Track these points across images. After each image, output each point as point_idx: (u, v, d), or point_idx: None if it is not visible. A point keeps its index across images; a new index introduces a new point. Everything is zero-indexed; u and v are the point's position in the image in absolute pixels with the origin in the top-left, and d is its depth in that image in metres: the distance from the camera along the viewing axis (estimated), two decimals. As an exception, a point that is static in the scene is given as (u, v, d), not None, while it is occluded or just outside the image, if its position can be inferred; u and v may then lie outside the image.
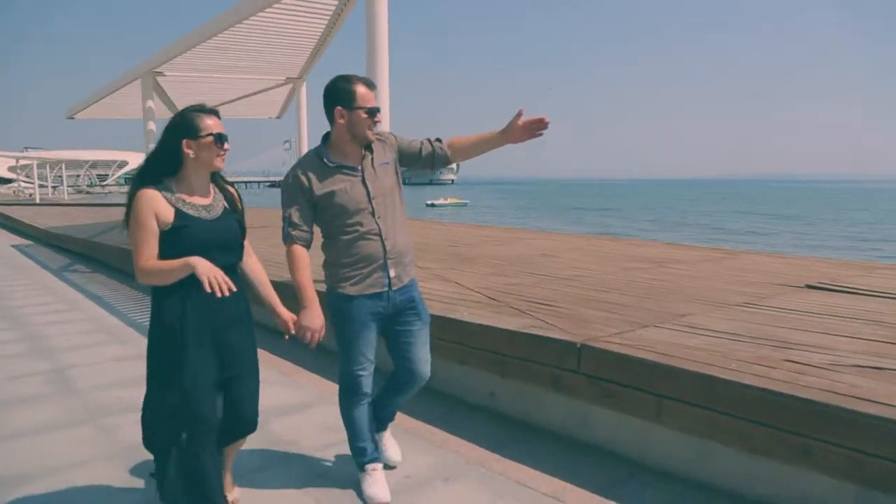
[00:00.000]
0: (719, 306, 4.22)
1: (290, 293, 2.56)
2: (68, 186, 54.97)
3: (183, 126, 2.17)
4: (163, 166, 2.19)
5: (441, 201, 58.31)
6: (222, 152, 2.21)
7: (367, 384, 2.71)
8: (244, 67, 10.02)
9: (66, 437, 3.52)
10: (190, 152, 2.16)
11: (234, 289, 2.03)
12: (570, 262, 6.51)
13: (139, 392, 4.19)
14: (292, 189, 2.51)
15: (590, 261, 6.66)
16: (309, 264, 2.52)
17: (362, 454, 2.79)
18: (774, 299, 4.51)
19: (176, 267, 2.05)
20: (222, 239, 2.21)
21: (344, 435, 3.43)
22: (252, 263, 2.43)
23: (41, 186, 46.36)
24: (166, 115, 14.08)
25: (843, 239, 25.94)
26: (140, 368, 4.78)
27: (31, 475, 3.04)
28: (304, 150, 11.55)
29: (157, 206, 2.11)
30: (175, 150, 2.16)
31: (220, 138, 2.18)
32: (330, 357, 5.02)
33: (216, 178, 2.32)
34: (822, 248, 21.89)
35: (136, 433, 3.52)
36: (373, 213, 2.51)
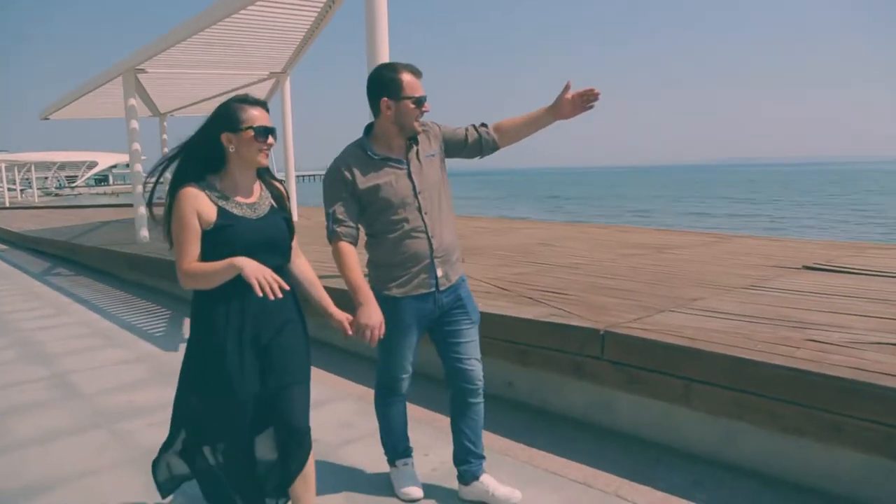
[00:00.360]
0: (727, 290, 4.28)
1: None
2: (37, 189, 53.63)
3: (223, 118, 2.02)
4: (204, 161, 2.04)
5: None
6: (265, 147, 2.04)
7: (406, 386, 2.66)
8: (228, 63, 9.83)
9: (77, 444, 3.44)
10: (230, 146, 2.01)
11: (287, 287, 1.90)
12: (569, 251, 6.54)
13: (149, 395, 4.21)
14: (335, 183, 2.39)
15: (587, 248, 6.70)
16: (358, 261, 2.41)
17: (394, 450, 2.77)
18: (776, 281, 4.58)
19: (221, 269, 1.91)
20: (269, 239, 2.06)
21: (363, 431, 3.43)
22: (301, 264, 2.29)
23: (9, 189, 45.24)
24: (146, 114, 13.82)
25: (816, 219, 26.46)
26: (144, 371, 4.78)
27: (42, 485, 2.95)
28: (290, 145, 11.42)
29: (200, 204, 1.98)
30: (215, 143, 2.02)
31: (261, 132, 2.02)
32: (339, 354, 5.01)
33: (262, 175, 2.17)
34: (799, 228, 22.27)
35: (152, 437, 3.50)
36: (419, 209, 2.40)
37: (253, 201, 2.09)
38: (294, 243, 2.22)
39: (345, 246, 2.37)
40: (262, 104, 2.06)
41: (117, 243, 9.85)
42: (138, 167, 9.76)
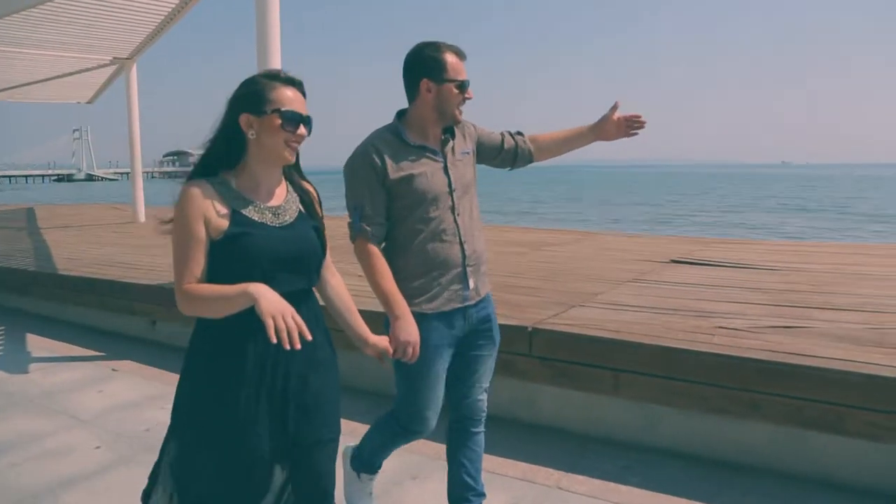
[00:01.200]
0: (618, 283, 4.55)
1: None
2: None
3: (245, 96, 1.60)
4: (222, 152, 1.63)
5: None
6: (294, 139, 1.62)
7: (433, 426, 2.26)
8: (63, 43, 8.62)
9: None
10: (250, 132, 1.60)
11: (309, 337, 1.47)
12: (454, 250, 6.60)
13: (3, 429, 3.55)
14: (363, 171, 2.05)
15: (471, 247, 6.80)
16: (387, 265, 2.09)
17: (371, 467, 2.50)
18: (655, 274, 4.96)
19: (230, 295, 1.49)
20: (295, 253, 1.64)
21: None
22: (336, 284, 1.86)
23: None
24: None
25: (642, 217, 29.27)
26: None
27: None
28: (136, 139, 10.36)
29: (208, 207, 1.56)
30: (232, 128, 1.61)
31: (291, 118, 1.59)
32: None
33: (289, 173, 1.75)
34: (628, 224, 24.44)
35: (21, 478, 2.97)
36: (452, 209, 2.12)
37: (277, 204, 1.67)
38: (327, 259, 1.83)
39: (374, 248, 2.06)
40: (297, 84, 1.65)
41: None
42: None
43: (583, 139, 2.36)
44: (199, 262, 1.56)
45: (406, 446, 3.16)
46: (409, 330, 2.01)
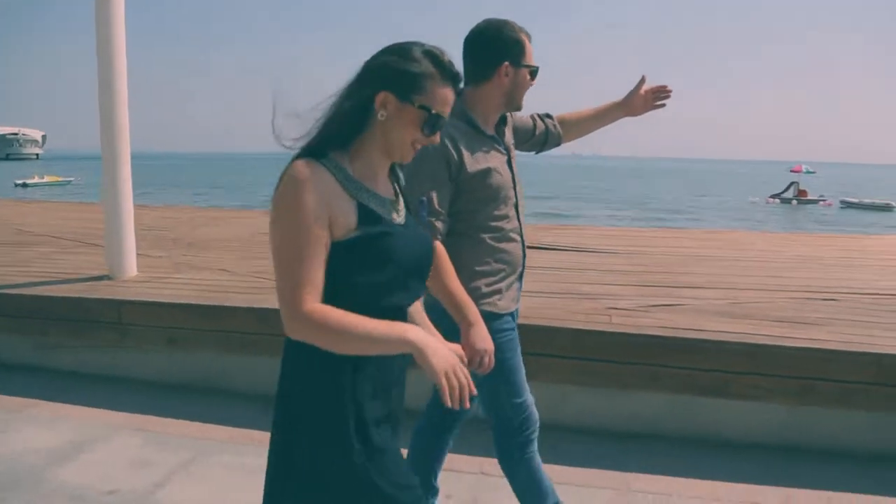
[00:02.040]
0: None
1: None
2: None
3: (395, 72, 1.28)
4: (344, 128, 1.30)
5: (35, 180, 49.47)
6: (422, 142, 1.33)
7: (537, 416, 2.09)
8: None
9: None
10: (382, 113, 1.28)
11: (475, 392, 1.24)
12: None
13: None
14: (434, 162, 1.82)
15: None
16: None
17: None
18: (520, 260, 5.20)
19: (385, 338, 1.20)
20: (422, 259, 1.39)
21: (167, 467, 2.88)
22: None
23: None
24: None
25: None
26: None
27: None
28: None
29: (331, 197, 1.23)
30: (363, 103, 1.29)
31: (433, 123, 1.31)
32: (67, 378, 3.97)
33: (392, 167, 1.45)
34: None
35: None
36: (515, 206, 2.00)
37: (394, 199, 1.38)
38: None
39: (442, 247, 1.79)
40: (455, 81, 1.34)
41: None
42: None
43: (610, 115, 2.31)
44: (322, 272, 1.22)
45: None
46: (485, 336, 1.76)
